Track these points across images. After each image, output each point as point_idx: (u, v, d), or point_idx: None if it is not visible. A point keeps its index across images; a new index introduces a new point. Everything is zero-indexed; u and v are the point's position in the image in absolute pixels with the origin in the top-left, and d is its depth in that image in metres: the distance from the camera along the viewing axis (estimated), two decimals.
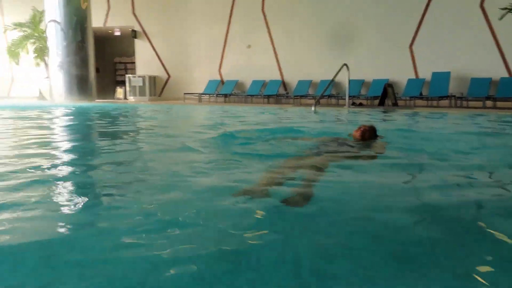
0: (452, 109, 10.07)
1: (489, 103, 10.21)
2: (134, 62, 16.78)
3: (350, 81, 9.93)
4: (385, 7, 12.02)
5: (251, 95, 13.67)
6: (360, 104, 11.45)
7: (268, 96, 13.36)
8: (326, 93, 12.01)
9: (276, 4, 13.67)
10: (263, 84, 13.89)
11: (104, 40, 17.37)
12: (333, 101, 12.35)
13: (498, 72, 10.56)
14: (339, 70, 6.95)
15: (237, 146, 3.55)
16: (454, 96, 10.62)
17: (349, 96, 10.19)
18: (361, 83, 12.06)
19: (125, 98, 16.34)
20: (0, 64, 16.83)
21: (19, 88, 17.13)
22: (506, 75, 10.56)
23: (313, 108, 7.96)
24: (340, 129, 5.47)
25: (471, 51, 10.88)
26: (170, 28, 15.70)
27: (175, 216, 1.68)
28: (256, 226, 1.61)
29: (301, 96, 12.77)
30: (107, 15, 16.07)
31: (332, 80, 7.72)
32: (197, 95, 14.43)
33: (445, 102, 10.81)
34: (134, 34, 16.14)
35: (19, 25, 14.74)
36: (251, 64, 14.22)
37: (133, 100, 15.58)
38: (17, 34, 14.93)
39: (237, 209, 1.79)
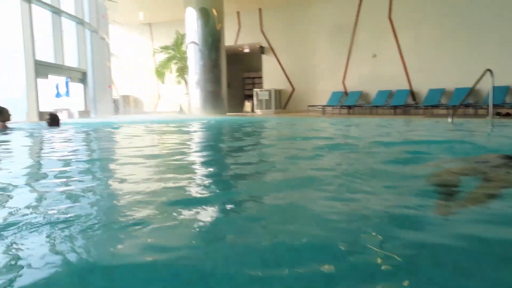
0: None
1: None
2: (261, 77, 17.56)
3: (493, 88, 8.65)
4: None
5: (376, 106, 13.04)
6: (507, 114, 9.92)
7: (395, 107, 12.56)
8: (465, 102, 10.78)
9: (404, 10, 12.87)
10: (389, 94, 13.12)
11: (234, 57, 18.63)
12: (471, 111, 10.99)
13: None
14: (481, 77, 6.07)
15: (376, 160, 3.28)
16: None
17: (494, 105, 8.91)
18: (506, 89, 10.48)
19: (253, 111, 17.14)
20: (150, 84, 19.46)
21: (164, 104, 19.47)
22: None
23: (449, 119, 7.13)
24: (490, 144, 4.66)
25: None
26: (294, 42, 16.02)
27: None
28: None
29: (433, 106, 11.68)
30: (238, 34, 17.22)
31: (473, 88, 6.82)
32: (320, 107, 14.36)
33: None
34: (262, 50, 16.93)
35: (165, 48, 16.79)
36: (376, 73, 13.60)
37: (260, 113, 16.25)
38: (163, 56, 17.00)
39: None
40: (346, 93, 14.50)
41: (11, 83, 10.63)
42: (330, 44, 14.86)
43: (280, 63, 16.56)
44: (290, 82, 16.41)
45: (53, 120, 7.50)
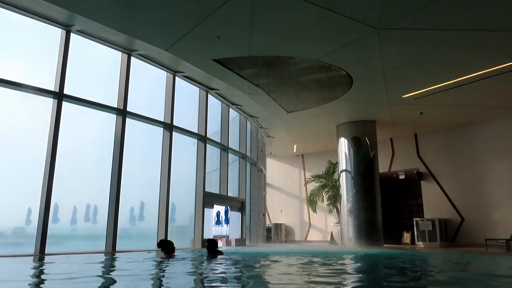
0: None
1: None
2: (420, 204, 16.04)
3: None
4: None
5: None
6: None
7: None
8: None
9: None
10: None
11: (389, 184, 17.70)
12: None
13: None
14: None
15: None
16: None
17: None
18: None
19: (413, 243, 15.34)
20: (301, 212, 19.56)
21: (314, 233, 19.02)
22: None
23: None
24: None
25: None
26: (459, 167, 14.56)
27: None
28: None
29: None
30: (391, 160, 16.60)
31: None
32: (503, 241, 11.95)
33: None
34: (420, 175, 15.77)
35: (317, 176, 17.04)
36: None
37: (422, 246, 14.40)
38: (314, 185, 17.18)
39: None
40: None
41: (182, 212, 11.72)
42: (507, 166, 12.98)
43: (443, 189, 14.98)
44: (458, 211, 14.46)
45: (212, 245, 7.63)
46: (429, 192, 15.48)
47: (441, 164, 15.19)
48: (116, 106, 9.35)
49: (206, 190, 12.07)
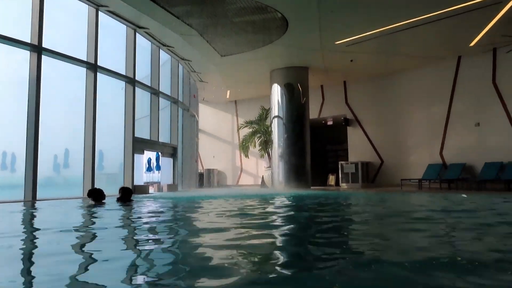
0: None
1: None
2: (345, 149, 16.97)
3: None
4: None
5: (484, 180, 11.60)
6: None
7: (510, 181, 11.03)
8: None
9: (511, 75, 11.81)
10: (500, 166, 11.67)
11: (317, 129, 18.40)
12: None
13: None
14: None
15: None
16: None
17: None
18: None
19: (337, 185, 16.37)
20: (233, 158, 19.80)
21: (246, 178, 19.48)
22: None
23: None
24: None
25: None
26: (382, 113, 15.45)
27: None
28: None
29: None
30: (321, 106, 17.13)
31: None
32: (415, 181, 13.20)
33: None
34: (347, 122, 16.54)
35: (249, 122, 17.13)
36: (481, 144, 12.34)
37: (345, 186, 15.43)
38: (247, 131, 17.31)
39: None
40: (445, 165, 13.23)
41: (111, 159, 11.21)
42: (423, 113, 14.04)
43: (367, 135, 15.92)
44: (379, 154, 15.56)
45: (127, 194, 7.32)
46: (354, 137, 16.37)
47: (366, 111, 15.99)
48: (29, 42, 8.32)
49: (136, 136, 11.59)
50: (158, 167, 13.48)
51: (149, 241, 3.24)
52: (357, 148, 16.20)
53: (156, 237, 3.51)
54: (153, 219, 4.96)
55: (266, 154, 16.56)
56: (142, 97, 12.55)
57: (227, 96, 18.88)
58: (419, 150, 14.17)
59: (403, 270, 2.07)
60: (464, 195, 9.84)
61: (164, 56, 13.71)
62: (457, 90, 13.13)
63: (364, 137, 16.00)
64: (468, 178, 12.28)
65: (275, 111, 15.02)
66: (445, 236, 3.37)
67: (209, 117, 20.40)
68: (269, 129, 15.73)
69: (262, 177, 17.02)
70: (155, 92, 12.91)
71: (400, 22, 10.23)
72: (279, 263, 2.33)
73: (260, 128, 16.74)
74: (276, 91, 14.91)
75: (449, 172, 12.83)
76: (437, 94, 13.59)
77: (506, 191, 10.73)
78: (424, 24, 10.17)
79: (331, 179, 17.36)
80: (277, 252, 2.65)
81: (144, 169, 12.65)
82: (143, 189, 11.79)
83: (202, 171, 19.78)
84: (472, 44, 11.47)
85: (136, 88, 11.65)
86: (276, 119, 14.98)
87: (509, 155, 11.57)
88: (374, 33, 10.87)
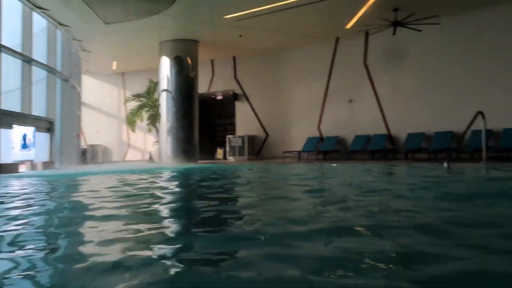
0: None
1: None
2: (234, 123, 17.48)
3: (473, 131, 8.88)
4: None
5: (353, 151, 13.17)
6: (501, 158, 10.04)
7: (374, 152, 12.73)
8: (445, 146, 11.03)
9: (380, 56, 13.40)
10: (367, 139, 13.35)
11: (206, 104, 18.54)
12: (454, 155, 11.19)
13: None
14: (474, 119, 6.14)
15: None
16: None
17: (476, 149, 9.04)
18: (490, 133, 10.82)
19: (225, 158, 16.85)
20: (120, 132, 18.88)
21: (133, 153, 18.82)
22: None
23: (445, 165, 7.10)
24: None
25: None
26: (268, 89, 16.20)
27: None
28: None
29: (413, 151, 11.92)
30: (211, 81, 17.25)
31: (466, 131, 6.91)
32: (296, 153, 14.33)
33: None
34: (235, 96, 16.98)
35: (136, 96, 16.44)
36: (353, 118, 13.88)
37: (232, 159, 15.99)
38: (134, 104, 16.61)
39: None
40: (322, 138, 14.61)
41: None
42: (305, 89, 15.14)
43: (253, 109, 16.60)
44: (264, 128, 16.41)
45: None
46: (242, 112, 16.93)
47: (254, 86, 16.61)
48: None
49: (2, 108, 10.29)
50: (34, 144, 12.22)
51: None
52: (245, 122, 16.81)
53: None
54: None
55: (155, 128, 16.18)
56: (15, 66, 11.14)
57: (114, 68, 17.73)
58: (300, 124, 15.31)
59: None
60: (334, 164, 11.12)
61: (41, 21, 12.25)
62: (334, 69, 14.44)
63: (251, 111, 16.66)
64: (340, 150, 13.78)
65: (163, 84, 14.70)
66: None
67: (93, 90, 18.96)
68: (157, 102, 15.35)
69: (150, 152, 16.65)
70: (27, 60, 11.53)
71: (285, 0, 10.74)
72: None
73: (148, 102, 16.21)
74: (165, 64, 14.55)
75: (325, 144, 14.22)
76: (317, 72, 14.75)
77: (371, 160, 12.39)
78: (307, 4, 10.79)
79: (219, 152, 17.77)
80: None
81: (19, 146, 11.35)
82: (11, 168, 10.59)
83: (85, 147, 18.47)
84: (348, 26, 12.53)
85: (3, 55, 10.26)
86: (164, 92, 14.68)
87: (375, 129, 13.28)
88: (261, 10, 11.23)
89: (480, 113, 6.33)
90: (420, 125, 12.33)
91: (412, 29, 11.27)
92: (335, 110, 14.38)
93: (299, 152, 14.32)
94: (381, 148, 12.67)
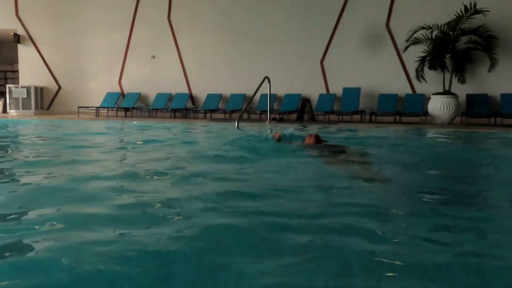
0: (364, 124, 10.03)
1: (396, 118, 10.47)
2: (17, 71, 14.54)
3: (262, 95, 9.34)
4: (299, 20, 11.77)
5: (156, 109, 12.47)
6: (281, 119, 10.95)
7: (175, 110, 12.29)
8: (238, 108, 11.39)
9: (184, 14, 12.82)
10: (169, 97, 12.79)
11: None
12: (244, 115, 11.64)
13: (404, 89, 10.89)
14: (261, 83, 6.27)
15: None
16: (364, 111, 10.68)
17: (263, 111, 9.59)
18: (274, 97, 11.60)
19: (5, 111, 13.97)
20: None
21: None
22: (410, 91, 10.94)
23: (236, 125, 7.16)
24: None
25: (380, 69, 11.06)
26: (61, 34, 13.91)
27: None
28: None
29: (211, 111, 11.95)
30: None
31: (254, 94, 6.99)
32: (93, 108, 12.77)
33: (356, 117, 10.81)
34: (17, 38, 13.96)
35: None
36: (155, 76, 13.12)
37: (15, 114, 13.39)
38: None
39: None
40: (123, 94, 13.38)
41: None
42: (105, 40, 13.51)
43: (42, 57, 14.01)
44: (56, 79, 14.10)
45: None
46: (27, 58, 14.11)
47: (43, 29, 13.97)
48: None
49: None
50: None
51: None
52: (31, 71, 14.11)
53: None
54: None
55: None
56: None
57: None
58: (99, 78, 13.73)
59: None
60: (136, 122, 10.36)
61: None
62: (137, 21, 13.20)
63: (39, 58, 14.02)
64: (142, 107, 12.87)
65: None
66: None
67: None
68: None
69: None
70: None
71: None
72: None
73: None
74: None
75: (126, 101, 13.09)
76: (119, 23, 13.28)
77: (172, 119, 11.89)
78: None
79: None
80: None
81: None
82: None
83: None
84: None
85: None
86: None
87: (177, 88, 12.81)
88: None
89: (267, 78, 6.42)
90: (219, 87, 12.44)
91: None
92: (137, 65, 13.31)
93: (97, 108, 12.78)
94: (182, 107, 12.33)
